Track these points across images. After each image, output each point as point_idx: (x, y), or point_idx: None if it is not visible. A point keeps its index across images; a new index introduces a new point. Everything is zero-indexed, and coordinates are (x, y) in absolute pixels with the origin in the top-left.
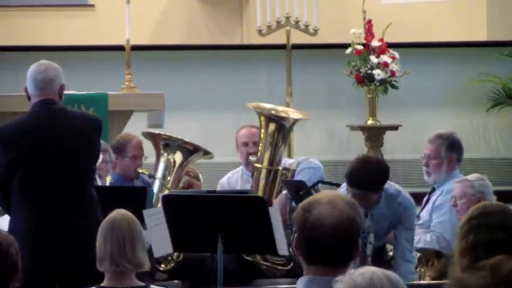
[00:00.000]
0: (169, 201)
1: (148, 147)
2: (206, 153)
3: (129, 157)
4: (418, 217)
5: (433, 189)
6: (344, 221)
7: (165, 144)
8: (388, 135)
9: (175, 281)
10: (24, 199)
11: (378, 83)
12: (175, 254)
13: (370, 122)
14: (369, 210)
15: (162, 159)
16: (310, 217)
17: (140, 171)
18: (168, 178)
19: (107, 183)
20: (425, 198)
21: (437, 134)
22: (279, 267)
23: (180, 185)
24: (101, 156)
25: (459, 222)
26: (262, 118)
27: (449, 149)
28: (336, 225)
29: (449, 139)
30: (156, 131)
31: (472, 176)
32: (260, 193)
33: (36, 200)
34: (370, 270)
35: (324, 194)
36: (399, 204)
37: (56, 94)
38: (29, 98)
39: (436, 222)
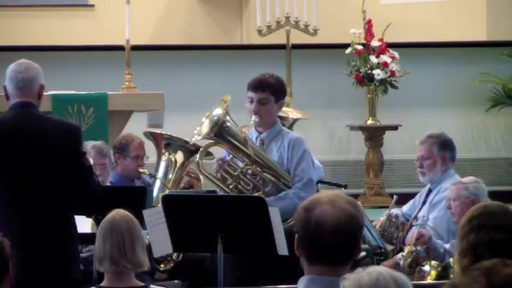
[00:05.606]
0: (169, 201)
1: (149, 147)
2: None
3: (131, 157)
4: (416, 218)
5: (430, 191)
6: (346, 219)
7: (167, 143)
8: (388, 135)
9: (175, 281)
10: None
11: (377, 83)
12: (175, 254)
13: (369, 122)
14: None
15: (164, 159)
16: (312, 216)
17: (141, 170)
18: (170, 176)
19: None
20: (419, 200)
21: (428, 135)
22: None
23: (181, 185)
24: (102, 161)
25: (454, 223)
26: None
27: (442, 147)
28: (338, 224)
29: (440, 138)
30: (158, 130)
31: (467, 179)
32: None
33: (6, 203)
34: (376, 270)
35: (324, 193)
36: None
37: (36, 94)
38: (7, 97)
39: (430, 218)
